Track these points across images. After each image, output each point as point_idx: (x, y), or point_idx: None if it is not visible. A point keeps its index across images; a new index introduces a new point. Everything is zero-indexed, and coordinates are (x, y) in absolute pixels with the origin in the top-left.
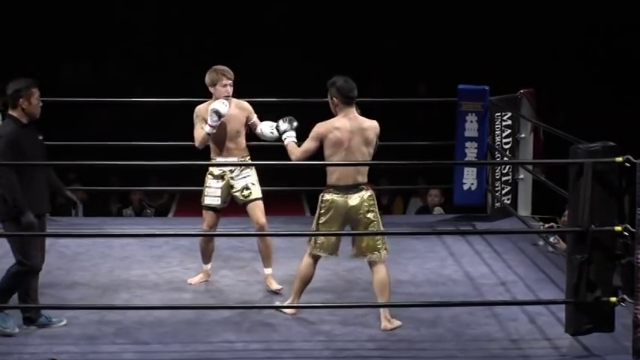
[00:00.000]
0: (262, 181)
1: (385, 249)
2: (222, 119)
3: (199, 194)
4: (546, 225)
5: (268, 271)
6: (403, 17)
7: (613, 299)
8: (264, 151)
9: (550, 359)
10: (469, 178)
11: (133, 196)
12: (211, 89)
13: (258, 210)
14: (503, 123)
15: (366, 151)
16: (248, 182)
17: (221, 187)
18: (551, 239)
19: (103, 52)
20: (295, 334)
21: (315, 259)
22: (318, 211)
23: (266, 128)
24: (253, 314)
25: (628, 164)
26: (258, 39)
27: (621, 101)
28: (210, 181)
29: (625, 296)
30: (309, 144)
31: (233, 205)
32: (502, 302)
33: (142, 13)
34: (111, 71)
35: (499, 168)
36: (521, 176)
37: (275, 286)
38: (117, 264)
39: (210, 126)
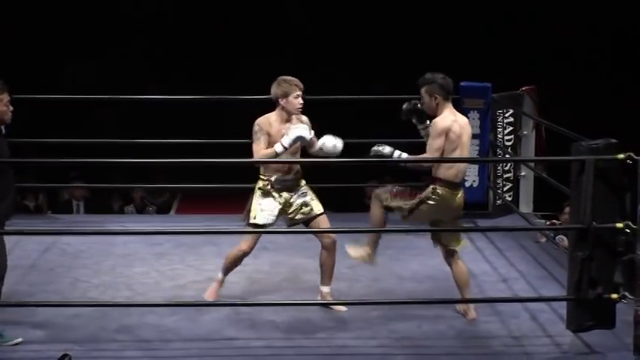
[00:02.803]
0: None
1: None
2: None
3: (201, 192)
4: (548, 222)
5: (326, 289)
6: (405, 15)
7: (614, 296)
8: None
9: (551, 356)
10: (471, 175)
11: (134, 193)
12: (282, 101)
13: (324, 225)
14: (505, 120)
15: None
16: (306, 199)
17: (278, 207)
18: (557, 238)
19: (107, 51)
20: (297, 332)
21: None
22: (425, 201)
23: (330, 142)
24: (255, 311)
25: (630, 161)
26: (265, 37)
27: (623, 98)
28: (263, 199)
29: (626, 293)
30: (439, 142)
31: (226, 202)
32: (504, 299)
33: (149, 11)
34: (115, 69)
35: (501, 165)
36: (523, 173)
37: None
38: (119, 261)
39: (284, 147)
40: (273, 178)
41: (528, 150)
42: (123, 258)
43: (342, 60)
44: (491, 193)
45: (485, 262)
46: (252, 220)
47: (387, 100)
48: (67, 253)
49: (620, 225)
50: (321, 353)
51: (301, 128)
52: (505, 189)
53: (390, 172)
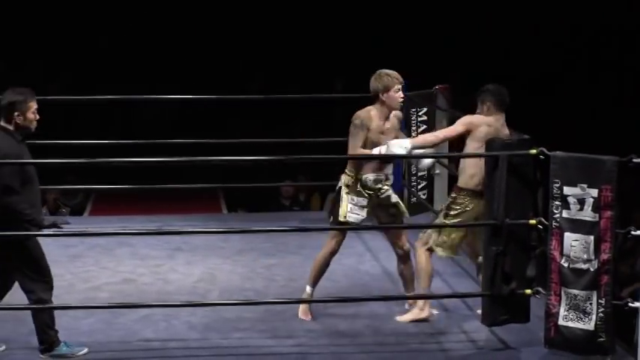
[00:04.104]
0: (181, 178)
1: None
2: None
3: (115, 193)
4: None
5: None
6: (318, 15)
7: (528, 291)
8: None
9: (467, 352)
10: None
11: (48, 195)
12: (382, 96)
13: (400, 235)
14: (419, 118)
15: None
16: (394, 200)
17: (367, 205)
18: None
19: (15, 51)
20: (213, 332)
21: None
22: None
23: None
24: (171, 313)
25: (542, 157)
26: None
27: (535, 94)
28: (355, 196)
29: (540, 288)
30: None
31: (140, 203)
32: (419, 296)
33: (53, 10)
34: (23, 70)
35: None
36: (437, 171)
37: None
38: None
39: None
40: (363, 176)
41: (442, 147)
42: None
43: (257, 61)
44: (405, 192)
45: None
46: (341, 219)
47: (300, 99)
48: None
49: (533, 221)
50: (238, 353)
51: (399, 147)
52: (419, 187)
53: (303, 171)
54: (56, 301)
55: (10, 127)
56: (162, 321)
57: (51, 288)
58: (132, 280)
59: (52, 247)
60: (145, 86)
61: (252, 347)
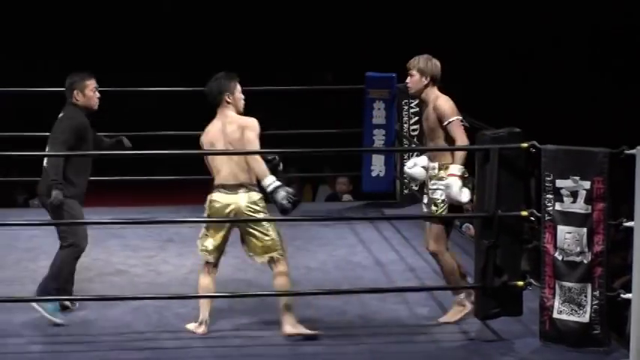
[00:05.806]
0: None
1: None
2: None
3: (103, 184)
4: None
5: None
6: (309, 6)
7: (520, 283)
8: None
9: (459, 344)
10: (377, 165)
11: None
12: None
13: (432, 234)
14: (411, 110)
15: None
16: (438, 197)
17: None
18: (464, 226)
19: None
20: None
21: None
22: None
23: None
24: (163, 304)
25: (533, 150)
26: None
27: (527, 86)
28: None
29: (532, 280)
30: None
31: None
32: (411, 288)
33: None
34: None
35: (407, 155)
36: None
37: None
38: (23, 255)
39: None
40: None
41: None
42: (28, 252)
43: (244, 52)
44: (398, 183)
45: (393, 251)
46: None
47: (294, 91)
48: None
49: (524, 213)
50: (230, 345)
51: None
52: None
53: (294, 163)
54: None
55: (75, 106)
56: (155, 313)
57: (80, 254)
58: (124, 272)
59: (43, 239)
60: (134, 76)
61: (244, 338)
